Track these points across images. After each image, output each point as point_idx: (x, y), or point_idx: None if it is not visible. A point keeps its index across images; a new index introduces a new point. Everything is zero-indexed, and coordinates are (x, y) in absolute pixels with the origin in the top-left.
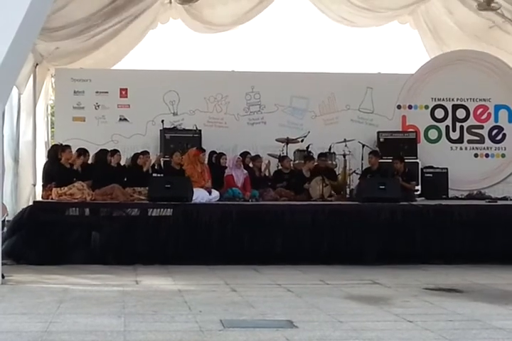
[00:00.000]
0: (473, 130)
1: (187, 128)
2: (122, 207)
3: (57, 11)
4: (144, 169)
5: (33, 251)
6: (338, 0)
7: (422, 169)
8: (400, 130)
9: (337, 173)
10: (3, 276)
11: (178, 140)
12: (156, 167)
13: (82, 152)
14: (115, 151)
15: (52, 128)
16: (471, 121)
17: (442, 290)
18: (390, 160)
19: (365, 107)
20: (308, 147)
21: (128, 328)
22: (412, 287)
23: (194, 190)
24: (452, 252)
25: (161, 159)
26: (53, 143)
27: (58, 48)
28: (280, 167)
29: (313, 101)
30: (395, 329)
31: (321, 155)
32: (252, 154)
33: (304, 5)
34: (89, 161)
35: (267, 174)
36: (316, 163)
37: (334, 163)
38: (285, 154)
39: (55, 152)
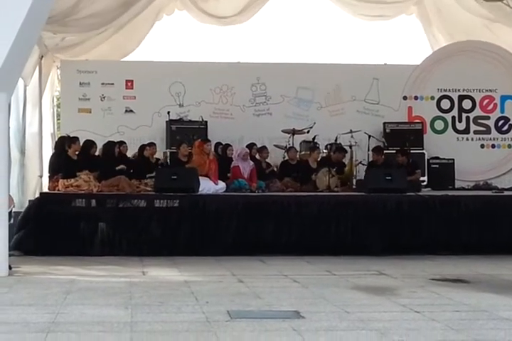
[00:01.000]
0: (480, 121)
1: (193, 119)
2: (129, 198)
3: (68, 7)
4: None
5: (39, 242)
6: None
7: (428, 160)
8: (406, 121)
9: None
10: (10, 267)
11: (184, 131)
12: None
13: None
14: (121, 143)
15: (58, 119)
16: (477, 111)
17: (449, 281)
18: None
19: (371, 98)
20: (314, 138)
21: (135, 319)
22: (419, 277)
23: (200, 181)
24: (459, 243)
25: (168, 151)
26: (60, 135)
27: (65, 38)
28: (286, 158)
29: (319, 92)
30: (402, 320)
31: (340, 149)
32: (258, 145)
33: None
34: (97, 153)
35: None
36: (326, 155)
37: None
38: (291, 145)
39: (62, 144)
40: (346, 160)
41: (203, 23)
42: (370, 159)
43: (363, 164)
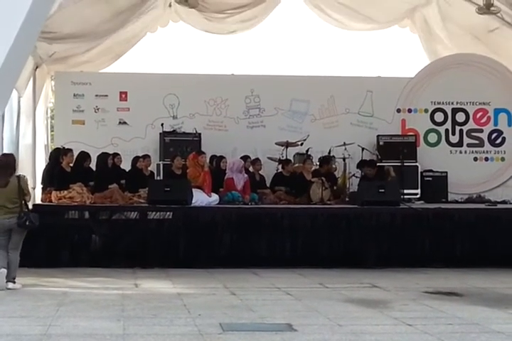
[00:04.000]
0: (473, 133)
1: (187, 131)
2: (122, 210)
3: (61, 17)
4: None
5: (32, 253)
6: (337, 6)
7: (421, 172)
8: (400, 133)
9: (337, 177)
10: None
11: (178, 143)
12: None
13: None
14: (116, 154)
15: (52, 131)
16: (471, 124)
17: (442, 294)
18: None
19: (364, 111)
20: (307, 150)
21: (127, 331)
22: (412, 290)
23: (194, 193)
24: (452, 255)
25: (161, 163)
26: (55, 147)
27: (55, 53)
28: (281, 170)
29: (312, 104)
30: (394, 333)
31: (325, 161)
32: (252, 157)
33: (304, 9)
34: (90, 165)
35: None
36: (318, 168)
37: (334, 166)
38: (285, 158)
39: (56, 155)
40: (339, 173)
41: (203, 29)
42: (363, 173)
43: (356, 177)
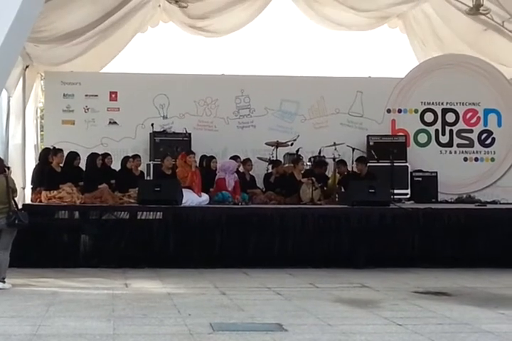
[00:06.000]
0: (463, 134)
1: (177, 131)
2: (112, 210)
3: (49, 18)
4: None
5: (22, 254)
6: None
7: (411, 173)
8: (390, 134)
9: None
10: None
11: (168, 143)
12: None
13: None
14: (106, 155)
15: (42, 131)
16: (461, 125)
17: (431, 294)
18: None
19: (354, 111)
20: (297, 150)
21: (117, 331)
22: (401, 290)
23: (184, 193)
24: (441, 256)
25: (151, 163)
26: (45, 147)
27: (45, 53)
28: (270, 170)
29: (303, 104)
30: (384, 333)
31: (320, 164)
32: (242, 158)
33: (294, 10)
34: (79, 165)
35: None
36: (309, 168)
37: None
38: (275, 158)
39: (46, 155)
40: (329, 173)
41: (191, 33)
42: (354, 170)
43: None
